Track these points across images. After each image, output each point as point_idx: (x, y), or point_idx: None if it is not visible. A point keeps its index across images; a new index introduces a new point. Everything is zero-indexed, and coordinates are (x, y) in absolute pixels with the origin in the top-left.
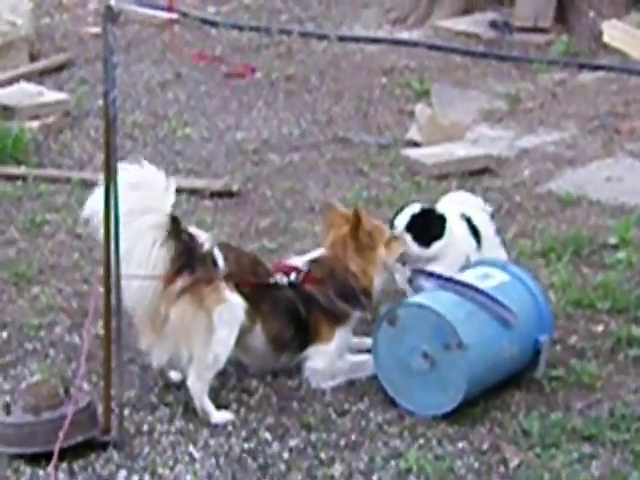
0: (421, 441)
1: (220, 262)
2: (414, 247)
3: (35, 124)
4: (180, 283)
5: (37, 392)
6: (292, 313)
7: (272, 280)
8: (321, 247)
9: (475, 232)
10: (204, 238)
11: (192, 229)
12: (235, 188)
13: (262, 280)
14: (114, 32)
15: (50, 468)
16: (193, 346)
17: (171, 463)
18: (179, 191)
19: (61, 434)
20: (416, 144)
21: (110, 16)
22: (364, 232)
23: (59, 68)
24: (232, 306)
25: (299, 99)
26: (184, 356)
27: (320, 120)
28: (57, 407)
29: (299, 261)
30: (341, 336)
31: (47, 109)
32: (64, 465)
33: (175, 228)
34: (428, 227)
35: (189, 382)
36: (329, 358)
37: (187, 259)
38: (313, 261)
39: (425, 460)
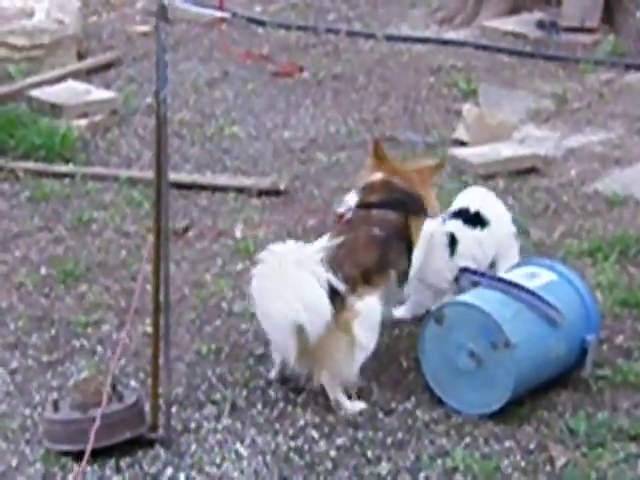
0: (468, 440)
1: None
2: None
3: (83, 122)
4: None
5: (84, 389)
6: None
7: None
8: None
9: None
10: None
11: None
12: (282, 187)
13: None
14: (167, 30)
15: (83, 464)
16: (337, 362)
17: (218, 461)
18: (226, 189)
19: (92, 434)
20: (463, 143)
21: (163, 14)
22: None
23: (107, 66)
24: (368, 314)
25: (346, 98)
26: (328, 368)
27: (367, 119)
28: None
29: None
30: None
31: (95, 107)
32: (111, 462)
33: None
34: None
35: (323, 377)
36: None
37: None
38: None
39: (472, 459)
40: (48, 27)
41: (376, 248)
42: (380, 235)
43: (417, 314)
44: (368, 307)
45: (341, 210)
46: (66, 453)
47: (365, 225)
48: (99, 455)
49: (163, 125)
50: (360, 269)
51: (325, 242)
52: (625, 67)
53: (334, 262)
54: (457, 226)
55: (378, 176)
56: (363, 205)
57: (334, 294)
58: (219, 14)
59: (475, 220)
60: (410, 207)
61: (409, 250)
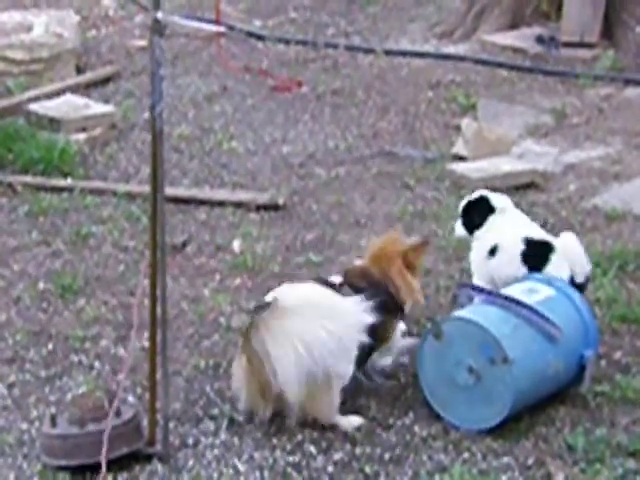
0: (466, 455)
1: None
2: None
3: (81, 136)
4: None
5: (82, 404)
6: None
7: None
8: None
9: None
10: None
11: None
12: (281, 201)
13: None
14: (161, 45)
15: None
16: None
17: (216, 476)
18: (225, 204)
19: (104, 447)
20: (462, 158)
21: (157, 29)
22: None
23: (105, 81)
24: None
25: (345, 113)
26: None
27: (366, 134)
28: (102, 419)
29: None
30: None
31: (93, 121)
32: (109, 477)
33: None
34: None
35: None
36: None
37: None
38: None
39: (470, 475)
40: (47, 41)
41: None
42: None
43: None
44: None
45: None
46: (64, 468)
47: None
48: (96, 470)
49: (159, 140)
50: None
51: None
52: (624, 82)
53: None
54: None
55: (362, 265)
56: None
57: None
58: (214, 28)
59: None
60: (380, 303)
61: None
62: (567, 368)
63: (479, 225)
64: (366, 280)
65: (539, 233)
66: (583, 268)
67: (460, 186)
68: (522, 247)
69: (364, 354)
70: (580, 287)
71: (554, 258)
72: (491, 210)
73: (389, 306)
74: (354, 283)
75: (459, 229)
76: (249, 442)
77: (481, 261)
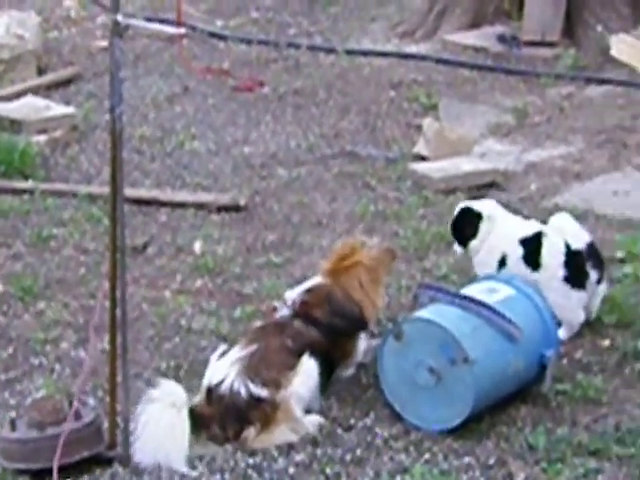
0: (427, 456)
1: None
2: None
3: (42, 138)
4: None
5: (42, 408)
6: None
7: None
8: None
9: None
10: None
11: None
12: (242, 202)
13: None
14: (121, 46)
15: None
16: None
17: (177, 479)
18: (186, 205)
19: (58, 451)
20: (423, 158)
21: (117, 31)
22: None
23: (67, 82)
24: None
25: (307, 113)
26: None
27: (327, 134)
28: (62, 423)
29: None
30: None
31: (54, 123)
32: None
33: None
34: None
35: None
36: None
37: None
38: (309, 290)
39: (431, 475)
40: (8, 42)
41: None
42: (292, 348)
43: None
44: (302, 376)
45: (275, 304)
46: (23, 472)
47: (280, 336)
48: (57, 474)
49: (119, 141)
50: (276, 369)
51: (238, 352)
52: (586, 81)
53: (250, 370)
54: None
55: (321, 284)
56: (294, 314)
57: (257, 400)
58: (175, 30)
59: None
60: (341, 329)
61: (328, 368)
62: (528, 368)
63: (473, 236)
64: (328, 303)
65: (531, 227)
66: (577, 238)
67: (421, 186)
68: (521, 251)
69: (326, 375)
70: (580, 254)
71: (546, 243)
72: (479, 217)
73: (353, 323)
74: (310, 314)
75: (457, 248)
76: (210, 444)
77: (492, 271)
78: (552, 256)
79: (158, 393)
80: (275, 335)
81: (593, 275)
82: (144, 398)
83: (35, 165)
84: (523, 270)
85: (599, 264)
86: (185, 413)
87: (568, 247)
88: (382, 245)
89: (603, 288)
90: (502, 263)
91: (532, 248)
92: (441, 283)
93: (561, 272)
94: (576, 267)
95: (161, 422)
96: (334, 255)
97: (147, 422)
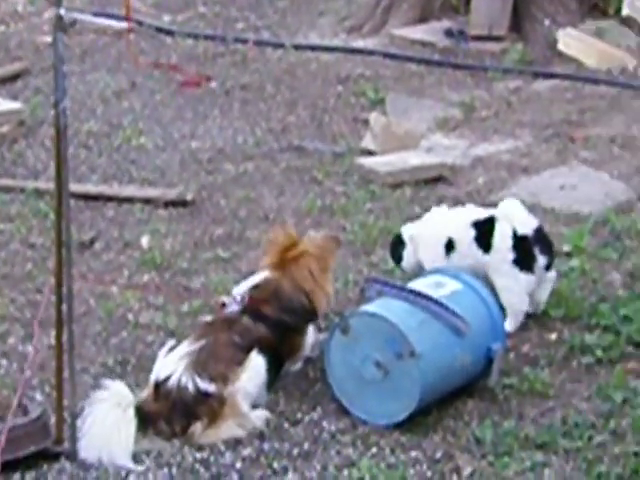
0: (374, 450)
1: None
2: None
3: None
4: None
5: None
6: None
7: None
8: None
9: None
10: None
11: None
12: (189, 197)
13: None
14: (65, 41)
15: None
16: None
17: (123, 474)
18: (133, 200)
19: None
20: (370, 153)
21: (61, 25)
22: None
23: (14, 77)
24: (251, 377)
25: (254, 108)
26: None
27: (275, 129)
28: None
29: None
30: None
31: (1, 118)
32: (16, 476)
33: None
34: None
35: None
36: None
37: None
38: (257, 286)
39: (378, 469)
40: None
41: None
42: (240, 344)
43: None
44: (249, 371)
45: (225, 300)
46: None
47: (229, 331)
48: (3, 469)
49: (63, 136)
50: (224, 364)
51: (186, 347)
52: (533, 75)
53: (198, 365)
54: None
55: (268, 278)
56: (243, 310)
57: (205, 395)
58: (123, 25)
59: None
60: (289, 324)
61: (276, 363)
62: (475, 361)
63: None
64: (276, 299)
65: (480, 212)
66: (524, 224)
67: (368, 180)
68: (473, 233)
69: (275, 370)
70: (526, 238)
71: (497, 227)
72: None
73: (302, 316)
74: (258, 310)
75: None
76: (156, 439)
77: (441, 260)
78: (502, 240)
79: (104, 394)
80: (223, 331)
81: (541, 260)
82: (90, 399)
83: None
84: (474, 252)
85: (547, 250)
86: (131, 413)
87: (515, 232)
88: (325, 233)
89: (552, 276)
90: (449, 247)
91: (485, 231)
92: (388, 277)
93: (510, 255)
94: (523, 251)
95: (106, 422)
96: (274, 248)
97: (92, 423)
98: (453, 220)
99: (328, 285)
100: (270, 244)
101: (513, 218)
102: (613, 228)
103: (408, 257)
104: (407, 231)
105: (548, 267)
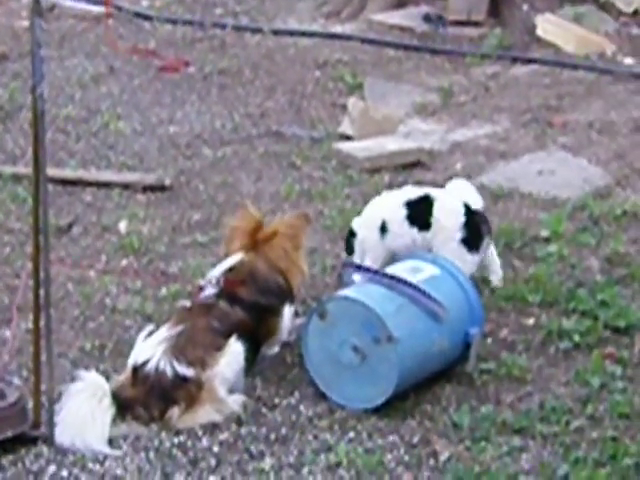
0: (351, 434)
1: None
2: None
3: None
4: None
5: None
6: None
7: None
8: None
9: None
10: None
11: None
12: (167, 182)
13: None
14: (43, 26)
15: None
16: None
17: (101, 458)
18: (111, 185)
19: None
20: (348, 138)
21: (38, 9)
22: (289, 235)
23: None
24: (229, 362)
25: (232, 93)
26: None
27: (253, 114)
28: None
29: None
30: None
31: None
32: None
33: None
34: None
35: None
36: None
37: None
38: (232, 268)
39: (355, 453)
40: None
41: (212, 338)
42: (218, 329)
43: None
44: (228, 357)
45: (202, 283)
46: None
47: (207, 316)
48: None
49: (40, 121)
50: (203, 349)
51: (165, 332)
52: (511, 60)
53: (176, 349)
54: None
55: (243, 260)
56: (219, 293)
57: (183, 380)
58: (100, 10)
59: None
60: (266, 306)
61: (253, 347)
62: (452, 346)
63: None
64: (252, 281)
65: (415, 192)
66: (475, 201)
67: (346, 165)
68: (404, 212)
69: (252, 354)
70: (478, 215)
71: (438, 205)
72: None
73: (279, 296)
74: (234, 293)
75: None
76: (134, 423)
77: (376, 242)
78: (448, 218)
79: (79, 385)
80: (201, 316)
81: (486, 239)
82: (66, 391)
83: None
84: (408, 231)
85: (489, 230)
86: (107, 402)
87: (468, 208)
88: (295, 212)
89: (493, 251)
90: (383, 229)
91: (419, 209)
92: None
93: (459, 234)
94: (473, 229)
95: (80, 412)
96: (241, 231)
97: (67, 413)
98: (387, 202)
99: (302, 263)
100: (235, 228)
101: (464, 195)
102: (591, 213)
103: (358, 247)
104: (356, 222)
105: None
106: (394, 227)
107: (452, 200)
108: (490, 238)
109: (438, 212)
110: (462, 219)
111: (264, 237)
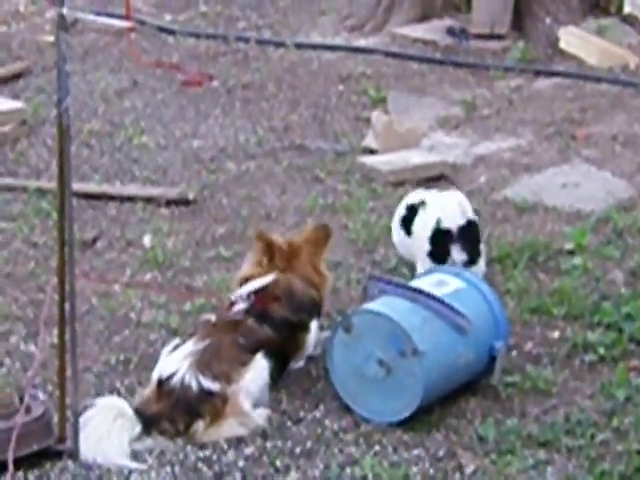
0: (377, 448)
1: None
2: None
3: None
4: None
5: None
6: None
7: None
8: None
9: None
10: None
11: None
12: (191, 196)
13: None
14: (67, 40)
15: (7, 478)
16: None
17: (126, 472)
18: (135, 199)
19: (12, 444)
20: (372, 151)
21: (63, 24)
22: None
23: (16, 76)
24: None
25: (256, 107)
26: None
27: (277, 127)
28: (12, 416)
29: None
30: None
31: (3, 118)
32: (19, 474)
33: None
34: None
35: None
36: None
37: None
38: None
39: (381, 467)
40: None
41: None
42: (244, 345)
43: None
44: (253, 372)
45: (232, 298)
46: None
47: (233, 333)
48: (6, 468)
49: (66, 135)
50: (228, 364)
51: (191, 346)
52: (534, 73)
53: (202, 364)
54: None
55: (276, 279)
56: (249, 309)
57: (208, 394)
58: (124, 24)
59: None
60: (296, 323)
61: (280, 363)
62: (477, 360)
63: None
64: (288, 299)
65: (421, 196)
66: (450, 219)
67: (370, 179)
68: (403, 212)
69: (278, 370)
70: (446, 234)
71: (421, 213)
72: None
73: (311, 311)
74: (264, 311)
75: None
76: (159, 437)
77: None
78: (422, 229)
79: (92, 412)
80: (228, 332)
81: (457, 256)
82: (85, 415)
83: None
84: (399, 232)
85: (470, 247)
86: (120, 421)
87: (438, 224)
88: (313, 225)
89: (477, 271)
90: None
91: (410, 215)
92: (390, 276)
93: (427, 246)
94: (440, 245)
95: (96, 432)
96: (264, 253)
97: (85, 436)
98: (404, 200)
99: (329, 275)
100: (256, 252)
101: (444, 209)
102: (615, 226)
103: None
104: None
105: (470, 263)
106: (394, 225)
107: (430, 212)
108: (471, 255)
109: (417, 221)
110: (430, 232)
111: (291, 254)
